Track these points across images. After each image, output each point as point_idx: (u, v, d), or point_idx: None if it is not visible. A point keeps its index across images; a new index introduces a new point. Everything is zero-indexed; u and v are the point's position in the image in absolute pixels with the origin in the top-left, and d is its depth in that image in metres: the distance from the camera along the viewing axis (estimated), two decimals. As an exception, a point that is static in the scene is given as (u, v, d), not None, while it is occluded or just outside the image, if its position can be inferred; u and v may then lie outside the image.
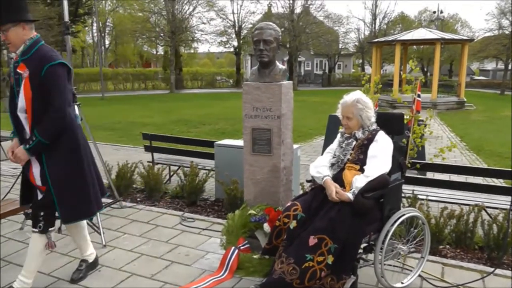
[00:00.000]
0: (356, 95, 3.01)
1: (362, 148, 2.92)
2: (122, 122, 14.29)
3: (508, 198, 3.96)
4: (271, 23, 3.55)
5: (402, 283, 3.07)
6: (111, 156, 7.22)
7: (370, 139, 2.92)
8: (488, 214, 4.15)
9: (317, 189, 2.97)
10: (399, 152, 3.07)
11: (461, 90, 21.17)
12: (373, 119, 3.01)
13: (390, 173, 2.89)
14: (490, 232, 3.63)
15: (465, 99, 21.13)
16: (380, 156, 2.83)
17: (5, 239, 3.92)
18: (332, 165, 3.00)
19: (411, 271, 3.22)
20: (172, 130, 12.11)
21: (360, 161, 2.88)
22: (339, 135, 3.14)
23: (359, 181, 2.73)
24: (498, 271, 3.29)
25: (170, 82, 32.17)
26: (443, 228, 3.76)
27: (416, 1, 61.48)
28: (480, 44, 37.72)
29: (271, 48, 3.45)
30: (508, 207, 3.57)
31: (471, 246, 3.79)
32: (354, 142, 2.98)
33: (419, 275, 3.17)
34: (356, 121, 2.98)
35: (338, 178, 2.89)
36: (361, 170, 2.83)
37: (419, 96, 3.81)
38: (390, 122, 3.12)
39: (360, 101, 2.96)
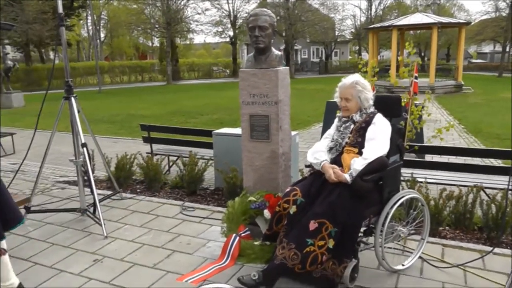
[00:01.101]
0: (354, 77, 3.02)
1: (360, 131, 2.91)
2: (120, 114, 14.24)
3: (506, 178, 3.97)
4: (265, 9, 3.52)
5: (403, 265, 3.08)
6: (110, 148, 7.22)
7: (368, 122, 2.92)
8: (487, 195, 4.17)
9: (316, 174, 2.96)
10: (397, 134, 3.07)
11: (459, 74, 21.13)
12: (371, 102, 3.01)
13: (388, 155, 2.89)
14: (489, 212, 3.64)
15: (463, 82, 21.11)
16: (378, 138, 2.83)
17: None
18: (331, 149, 3.00)
19: (411, 253, 3.24)
20: (170, 121, 12.08)
21: (358, 144, 2.88)
22: (336, 119, 3.13)
23: (357, 163, 2.73)
24: (497, 250, 3.31)
25: (166, 73, 32.04)
26: (442, 210, 3.77)
27: (412, -14, 60.89)
28: (477, 27, 37.65)
29: (266, 34, 3.42)
30: (506, 186, 3.58)
31: (470, 227, 3.81)
32: (352, 125, 2.98)
33: (420, 257, 3.19)
34: (355, 103, 2.97)
35: (336, 162, 2.89)
36: (360, 153, 2.83)
37: (416, 78, 3.81)
38: (388, 105, 3.12)
39: (359, 83, 2.96)
